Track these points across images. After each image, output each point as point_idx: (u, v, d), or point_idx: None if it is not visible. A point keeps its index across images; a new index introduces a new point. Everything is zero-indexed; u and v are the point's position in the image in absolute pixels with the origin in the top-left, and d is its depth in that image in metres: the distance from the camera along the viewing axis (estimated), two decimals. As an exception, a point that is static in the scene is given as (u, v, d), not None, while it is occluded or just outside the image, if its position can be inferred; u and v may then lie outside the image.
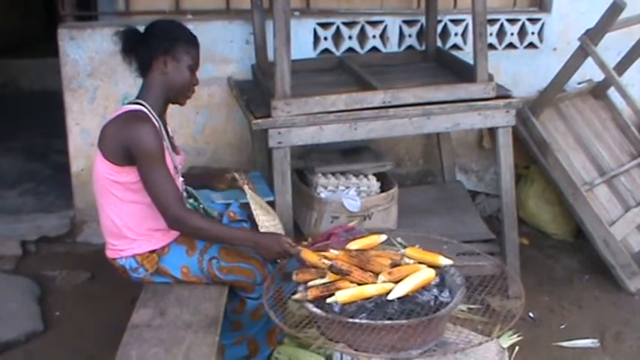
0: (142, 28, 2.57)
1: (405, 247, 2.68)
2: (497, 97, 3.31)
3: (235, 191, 2.91)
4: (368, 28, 3.95)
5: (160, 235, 2.59)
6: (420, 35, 4.04)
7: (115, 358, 2.23)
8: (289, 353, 2.76)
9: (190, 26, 2.70)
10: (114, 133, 2.46)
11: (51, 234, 3.85)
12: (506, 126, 3.37)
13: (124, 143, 2.42)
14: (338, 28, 3.92)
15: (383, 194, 3.50)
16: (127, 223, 2.56)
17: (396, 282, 2.28)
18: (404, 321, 2.14)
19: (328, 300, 2.24)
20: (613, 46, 4.04)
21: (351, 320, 2.15)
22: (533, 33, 4.21)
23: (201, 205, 2.78)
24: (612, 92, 4.16)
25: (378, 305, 2.23)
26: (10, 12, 6.58)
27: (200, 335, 2.35)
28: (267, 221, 2.70)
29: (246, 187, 2.81)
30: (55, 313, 3.36)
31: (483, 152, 4.36)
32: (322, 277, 2.33)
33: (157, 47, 2.51)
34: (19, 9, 6.66)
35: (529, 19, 4.20)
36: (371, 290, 2.26)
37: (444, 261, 2.42)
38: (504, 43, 4.18)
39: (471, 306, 2.75)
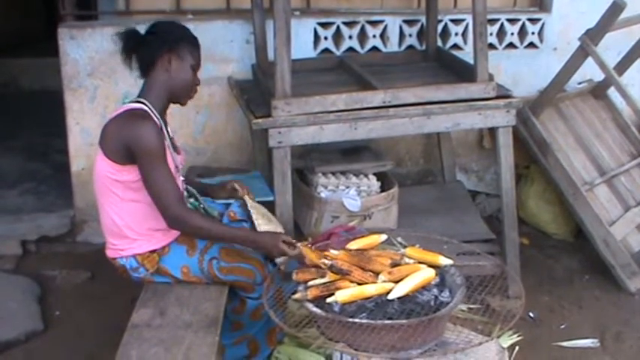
0: (142, 29, 2.57)
1: (405, 246, 2.67)
2: (497, 97, 3.31)
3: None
4: (368, 27, 3.95)
5: (161, 234, 2.59)
6: (420, 35, 4.03)
7: (115, 357, 2.23)
8: (289, 353, 2.76)
9: (191, 26, 2.70)
10: (115, 132, 2.46)
11: (51, 233, 3.85)
12: (507, 126, 3.38)
13: (125, 141, 2.42)
14: (338, 27, 3.92)
15: (383, 194, 3.50)
16: (127, 223, 2.56)
17: (396, 282, 2.28)
18: (404, 321, 2.14)
19: (328, 300, 2.24)
20: (613, 46, 4.04)
21: (351, 320, 2.15)
22: (533, 33, 4.21)
23: (202, 205, 2.78)
24: (612, 92, 4.16)
25: (378, 305, 2.23)
26: (11, 12, 6.57)
27: (200, 335, 2.35)
28: (269, 230, 2.70)
29: (246, 197, 2.81)
30: (55, 312, 3.36)
31: (484, 152, 4.36)
32: (322, 276, 2.33)
33: (161, 45, 2.50)
34: (19, 9, 6.66)
35: (529, 19, 4.19)
36: (371, 290, 2.26)
37: (444, 261, 2.42)
38: (504, 43, 4.18)
39: (471, 306, 2.74)
